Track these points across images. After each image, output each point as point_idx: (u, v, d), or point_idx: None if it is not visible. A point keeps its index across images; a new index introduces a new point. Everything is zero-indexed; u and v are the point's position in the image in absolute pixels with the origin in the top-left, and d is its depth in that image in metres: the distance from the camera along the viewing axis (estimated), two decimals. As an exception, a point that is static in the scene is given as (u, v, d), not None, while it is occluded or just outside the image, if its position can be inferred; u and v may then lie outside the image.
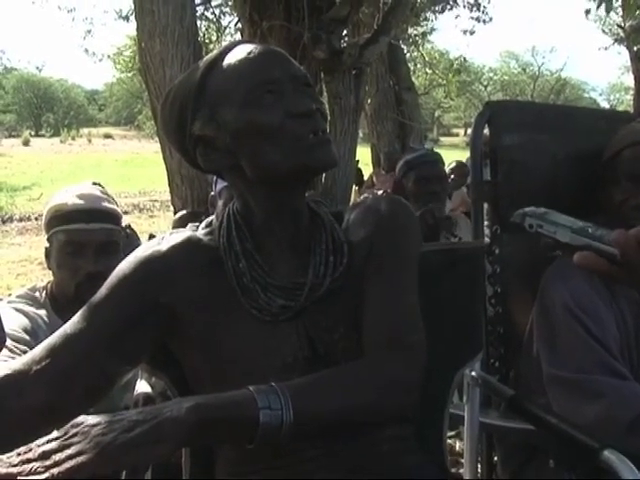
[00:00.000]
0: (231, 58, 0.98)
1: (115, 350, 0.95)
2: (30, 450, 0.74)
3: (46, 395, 0.90)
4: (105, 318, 0.95)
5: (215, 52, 1.01)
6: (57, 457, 0.72)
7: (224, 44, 1.05)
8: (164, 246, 1.01)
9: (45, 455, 0.73)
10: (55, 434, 0.75)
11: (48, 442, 0.74)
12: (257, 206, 1.01)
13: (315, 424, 0.85)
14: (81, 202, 1.58)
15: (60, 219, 1.58)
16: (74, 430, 0.75)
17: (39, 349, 0.94)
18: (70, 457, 0.72)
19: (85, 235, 1.57)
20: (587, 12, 8.15)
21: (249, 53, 0.98)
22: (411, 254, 1.03)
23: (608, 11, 7.70)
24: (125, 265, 1.00)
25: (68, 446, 0.73)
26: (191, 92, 0.99)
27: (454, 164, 5.00)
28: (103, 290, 0.98)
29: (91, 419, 0.76)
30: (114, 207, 1.65)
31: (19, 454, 0.74)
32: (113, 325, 0.95)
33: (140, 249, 1.02)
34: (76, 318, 0.97)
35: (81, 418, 0.76)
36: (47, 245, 1.63)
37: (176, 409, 0.76)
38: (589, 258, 0.70)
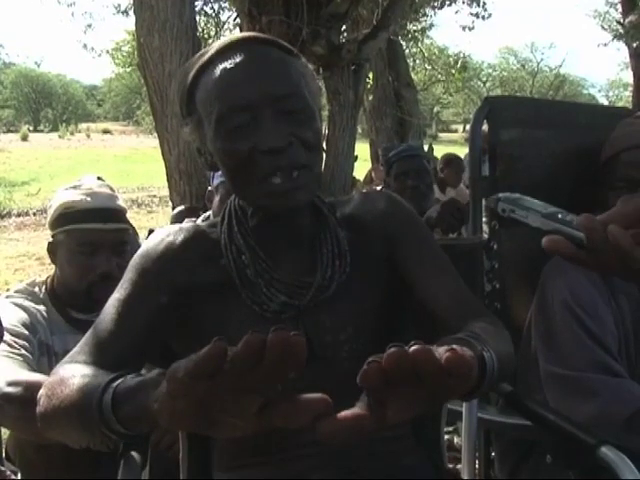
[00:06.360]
0: (218, 68, 0.92)
1: (141, 347, 0.94)
2: None
3: None
4: (135, 315, 0.94)
5: (211, 51, 0.96)
6: None
7: (223, 38, 1.00)
8: (177, 237, 1.00)
9: None
10: None
11: None
12: (251, 210, 1.00)
13: (499, 367, 0.80)
14: (96, 201, 1.56)
15: (73, 217, 1.55)
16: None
17: (78, 355, 0.91)
18: None
19: (102, 235, 1.55)
20: None
21: (232, 67, 0.91)
22: (435, 242, 1.08)
23: None
24: (143, 259, 0.99)
25: None
26: (183, 94, 0.97)
27: (445, 159, 4.62)
28: (126, 287, 0.96)
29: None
30: (124, 205, 1.64)
31: None
32: (142, 320, 0.94)
33: (153, 241, 1.01)
34: (105, 319, 0.94)
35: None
36: (51, 240, 1.60)
37: None
38: (557, 242, 0.70)
